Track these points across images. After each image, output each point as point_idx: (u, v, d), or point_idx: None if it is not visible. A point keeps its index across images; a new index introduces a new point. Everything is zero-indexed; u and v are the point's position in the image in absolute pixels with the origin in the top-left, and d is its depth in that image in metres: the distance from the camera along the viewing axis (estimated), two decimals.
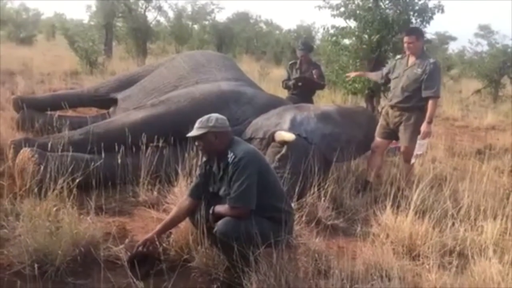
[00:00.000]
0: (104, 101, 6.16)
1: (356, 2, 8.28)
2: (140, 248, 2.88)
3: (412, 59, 4.68)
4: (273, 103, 5.00)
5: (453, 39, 29.97)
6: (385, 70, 5.10)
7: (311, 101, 6.25)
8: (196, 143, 3.00)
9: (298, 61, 6.51)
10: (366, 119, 5.05)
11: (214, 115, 2.91)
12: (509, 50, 15.18)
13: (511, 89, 15.57)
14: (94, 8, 18.75)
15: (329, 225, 3.77)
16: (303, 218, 3.54)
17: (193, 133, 2.89)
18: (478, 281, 2.89)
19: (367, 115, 5.20)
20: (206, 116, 2.91)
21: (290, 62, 6.82)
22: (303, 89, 6.27)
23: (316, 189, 3.92)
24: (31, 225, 2.87)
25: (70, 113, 6.33)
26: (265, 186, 2.79)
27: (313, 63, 6.60)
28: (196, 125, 2.91)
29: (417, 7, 8.07)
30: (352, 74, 5.67)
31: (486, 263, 3.05)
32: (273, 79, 13.76)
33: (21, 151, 3.89)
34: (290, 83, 6.34)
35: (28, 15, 28.91)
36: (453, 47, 29.18)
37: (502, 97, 15.31)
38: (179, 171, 3.97)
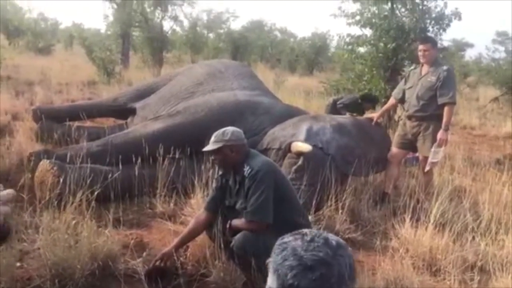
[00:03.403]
0: (122, 111, 6.22)
1: (371, 10, 8.27)
2: (157, 263, 2.88)
3: (425, 68, 4.65)
4: (289, 113, 4.98)
5: (470, 46, 29.72)
6: (400, 86, 5.04)
7: None
8: (212, 157, 3.00)
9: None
10: (380, 138, 4.99)
11: (230, 129, 2.91)
12: None
13: None
14: (111, 18, 18.99)
15: (347, 238, 3.72)
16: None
17: (209, 147, 2.89)
18: None
19: (381, 133, 5.12)
20: (221, 130, 2.91)
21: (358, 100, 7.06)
22: None
23: (333, 202, 3.88)
24: (51, 239, 2.89)
25: (88, 123, 6.41)
26: (282, 199, 2.78)
27: None
28: (212, 139, 2.90)
29: (434, 15, 8.03)
30: (375, 118, 5.08)
31: (508, 279, 2.99)
32: (288, 87, 13.77)
33: (40, 163, 3.92)
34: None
35: (47, 24, 29.43)
36: (470, 54, 28.88)
37: None
38: (196, 182, 3.97)
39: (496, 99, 15.50)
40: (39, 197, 3.77)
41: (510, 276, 3.04)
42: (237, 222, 2.76)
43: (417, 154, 5.41)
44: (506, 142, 9.49)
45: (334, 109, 7.15)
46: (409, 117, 4.70)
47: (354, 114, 6.90)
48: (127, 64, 16.76)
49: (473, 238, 3.59)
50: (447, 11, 8.03)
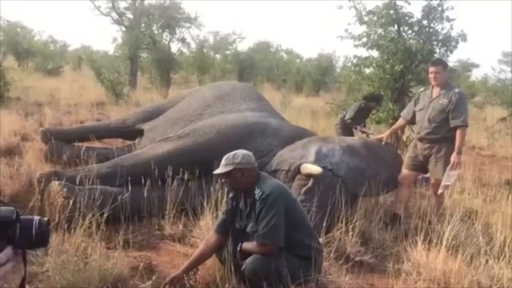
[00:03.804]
0: (130, 132, 6.25)
1: (378, 33, 8.32)
2: (167, 286, 2.84)
3: (436, 90, 4.63)
4: (298, 135, 4.97)
5: (476, 66, 29.79)
6: (409, 107, 5.03)
7: None
8: (223, 180, 2.98)
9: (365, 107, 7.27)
10: (391, 157, 4.95)
11: (240, 152, 2.90)
12: None
13: None
14: (119, 40, 19.25)
15: (358, 261, 3.67)
16: (332, 254, 3.47)
17: (220, 170, 2.87)
18: None
19: (392, 153, 5.09)
20: (232, 153, 2.90)
21: (362, 105, 7.30)
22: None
23: (343, 224, 3.84)
24: (60, 261, 2.87)
25: (96, 144, 6.43)
26: (293, 222, 2.75)
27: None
28: (223, 162, 2.89)
29: (440, 37, 8.07)
30: (384, 138, 5.05)
31: None
32: (295, 108, 13.82)
33: (50, 184, 3.93)
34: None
35: (56, 46, 29.84)
36: (476, 74, 28.95)
37: None
38: (205, 204, 3.95)
39: (503, 119, 15.45)
40: (48, 219, 3.75)
41: None
42: (248, 245, 2.73)
43: (426, 175, 5.37)
44: None
45: (344, 126, 7.17)
46: (421, 139, 4.67)
47: (367, 129, 6.93)
48: (135, 85, 16.93)
49: (487, 261, 3.52)
50: (453, 33, 8.07)
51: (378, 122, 8.92)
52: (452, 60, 12.90)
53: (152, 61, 17.54)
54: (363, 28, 8.53)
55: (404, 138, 7.97)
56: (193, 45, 21.13)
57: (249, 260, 2.62)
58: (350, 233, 3.82)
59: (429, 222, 4.13)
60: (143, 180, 4.10)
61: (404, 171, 4.82)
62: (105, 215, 3.35)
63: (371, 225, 4.22)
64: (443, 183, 4.45)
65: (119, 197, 3.91)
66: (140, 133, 6.04)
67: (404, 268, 3.50)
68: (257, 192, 2.73)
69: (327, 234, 3.73)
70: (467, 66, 28.67)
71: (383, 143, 4.96)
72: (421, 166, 4.74)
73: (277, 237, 2.64)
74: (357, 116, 7.08)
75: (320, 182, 4.02)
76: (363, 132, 7.11)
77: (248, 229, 2.82)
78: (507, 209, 4.71)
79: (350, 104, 9.92)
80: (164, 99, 10.61)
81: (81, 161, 5.32)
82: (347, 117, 7.16)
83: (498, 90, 17.09)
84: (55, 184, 3.88)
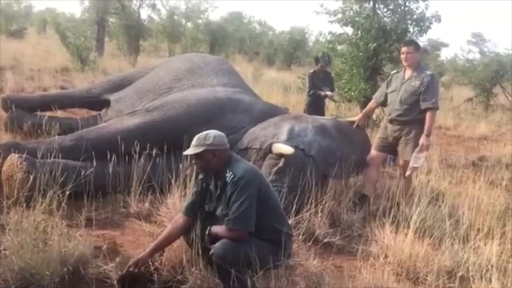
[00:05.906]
0: (96, 102, 6.00)
1: (354, 9, 8.22)
2: (131, 269, 2.74)
3: (409, 72, 4.61)
4: (270, 112, 4.89)
5: (445, 45, 30.16)
6: (382, 89, 5.00)
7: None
8: (193, 161, 2.86)
9: (318, 71, 7.30)
10: (361, 141, 4.94)
11: (212, 132, 2.78)
12: (503, 59, 15.27)
13: (503, 98, 15.63)
14: (87, 3, 18.47)
15: (326, 242, 3.66)
16: (300, 236, 3.44)
17: (190, 151, 2.75)
18: None
19: (362, 136, 5.06)
20: (204, 133, 2.78)
21: (311, 72, 7.41)
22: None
23: (313, 205, 3.80)
24: (18, 241, 2.72)
25: (60, 113, 6.16)
26: (265, 207, 2.68)
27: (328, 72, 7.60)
28: (193, 142, 2.77)
29: (415, 16, 8.04)
30: (356, 121, 4.97)
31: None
32: (266, 81, 13.67)
33: (9, 157, 3.72)
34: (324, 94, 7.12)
35: (20, 7, 28.50)
36: (445, 54, 29.39)
37: (493, 106, 15.35)
38: (173, 182, 3.83)
39: (470, 99, 15.78)
40: (6, 193, 3.58)
41: (488, 282, 3.03)
42: (218, 229, 2.64)
43: (393, 156, 5.40)
44: (480, 144, 9.65)
45: (309, 102, 7.25)
46: (391, 121, 4.65)
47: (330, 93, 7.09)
48: (102, 51, 16.38)
49: (452, 244, 3.57)
50: (428, 14, 8.05)
51: (349, 101, 8.91)
52: (422, 39, 12.95)
53: (120, 26, 16.93)
54: (339, 3, 8.41)
55: (374, 117, 8.00)
56: (164, 12, 20.52)
57: (217, 245, 2.55)
58: (319, 215, 3.79)
59: (398, 204, 4.15)
60: (108, 155, 3.95)
61: (373, 152, 4.82)
62: (67, 193, 3.19)
63: (340, 206, 4.22)
64: (411, 165, 4.47)
65: (83, 172, 3.74)
66: (107, 104, 5.81)
67: (371, 250, 3.52)
68: (229, 175, 2.64)
69: (297, 216, 3.70)
70: (437, 45, 28.95)
71: (354, 126, 4.92)
72: (390, 148, 4.75)
73: (247, 222, 2.56)
74: (314, 85, 7.16)
75: (291, 162, 3.96)
76: (326, 96, 7.18)
77: (218, 212, 2.73)
78: (472, 191, 4.78)
79: None
80: (132, 68, 10.32)
81: (43, 132, 5.10)
82: (308, 91, 7.28)
83: (466, 71, 17.30)
84: (14, 157, 3.67)
